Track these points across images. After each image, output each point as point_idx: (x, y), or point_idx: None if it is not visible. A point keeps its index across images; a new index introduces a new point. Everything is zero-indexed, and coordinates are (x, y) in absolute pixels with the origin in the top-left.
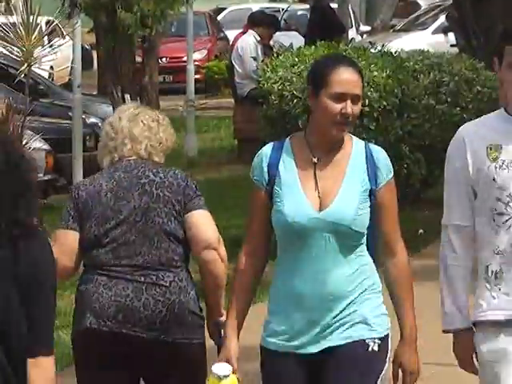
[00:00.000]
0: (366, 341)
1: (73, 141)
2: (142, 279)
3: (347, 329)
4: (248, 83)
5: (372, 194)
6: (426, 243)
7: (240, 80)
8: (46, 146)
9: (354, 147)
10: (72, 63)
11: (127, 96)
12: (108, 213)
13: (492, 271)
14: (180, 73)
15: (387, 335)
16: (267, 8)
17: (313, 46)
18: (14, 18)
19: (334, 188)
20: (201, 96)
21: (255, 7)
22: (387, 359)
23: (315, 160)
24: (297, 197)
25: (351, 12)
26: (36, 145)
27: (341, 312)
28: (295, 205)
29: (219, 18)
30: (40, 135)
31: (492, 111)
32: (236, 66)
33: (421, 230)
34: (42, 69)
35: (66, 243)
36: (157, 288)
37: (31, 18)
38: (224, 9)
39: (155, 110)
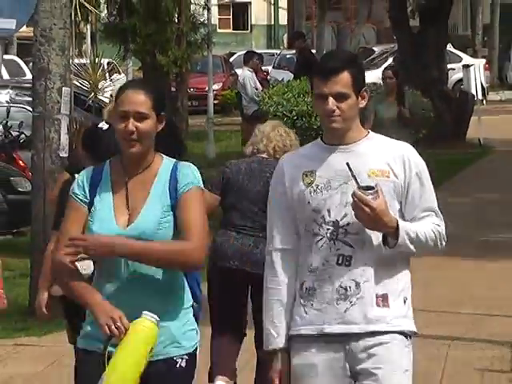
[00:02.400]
0: (174, 358)
1: None
2: (260, 235)
3: (156, 346)
4: (252, 106)
5: (173, 207)
6: None
7: (246, 104)
8: None
9: (162, 166)
10: None
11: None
12: (242, 190)
13: (306, 288)
14: (203, 99)
15: (195, 350)
16: (265, 53)
17: (298, 80)
18: (84, 60)
19: (139, 205)
20: (218, 116)
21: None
22: (194, 373)
23: (126, 179)
24: (106, 215)
25: None
26: None
27: None
28: (103, 223)
29: (231, 59)
30: None
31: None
32: (243, 94)
33: None
34: (105, 96)
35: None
36: (261, 243)
37: (96, 60)
38: (234, 53)
39: (285, 127)
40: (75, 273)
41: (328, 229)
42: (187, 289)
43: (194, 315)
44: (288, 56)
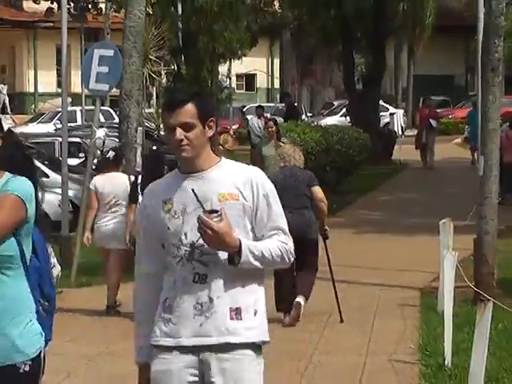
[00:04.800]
0: (17, 364)
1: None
2: (299, 211)
3: None
4: (257, 139)
5: None
6: (337, 211)
7: (253, 137)
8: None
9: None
10: None
11: None
12: (285, 185)
13: (167, 303)
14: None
15: (39, 355)
16: (266, 105)
17: (286, 123)
18: (151, 110)
19: None
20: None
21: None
22: (40, 379)
23: None
24: None
25: (303, 106)
26: None
27: None
28: None
29: (244, 109)
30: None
31: (361, 151)
32: (251, 132)
33: (334, 205)
34: (163, 132)
35: None
36: (304, 215)
37: (159, 109)
38: (246, 105)
39: (296, 148)
40: None
41: (186, 250)
42: (29, 297)
43: (50, 314)
44: (280, 107)
